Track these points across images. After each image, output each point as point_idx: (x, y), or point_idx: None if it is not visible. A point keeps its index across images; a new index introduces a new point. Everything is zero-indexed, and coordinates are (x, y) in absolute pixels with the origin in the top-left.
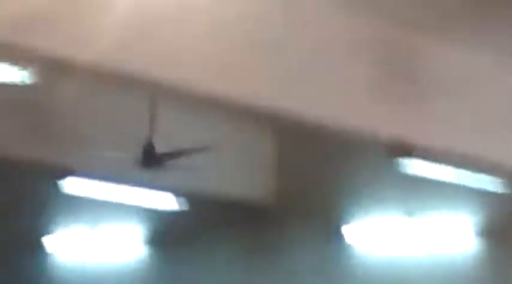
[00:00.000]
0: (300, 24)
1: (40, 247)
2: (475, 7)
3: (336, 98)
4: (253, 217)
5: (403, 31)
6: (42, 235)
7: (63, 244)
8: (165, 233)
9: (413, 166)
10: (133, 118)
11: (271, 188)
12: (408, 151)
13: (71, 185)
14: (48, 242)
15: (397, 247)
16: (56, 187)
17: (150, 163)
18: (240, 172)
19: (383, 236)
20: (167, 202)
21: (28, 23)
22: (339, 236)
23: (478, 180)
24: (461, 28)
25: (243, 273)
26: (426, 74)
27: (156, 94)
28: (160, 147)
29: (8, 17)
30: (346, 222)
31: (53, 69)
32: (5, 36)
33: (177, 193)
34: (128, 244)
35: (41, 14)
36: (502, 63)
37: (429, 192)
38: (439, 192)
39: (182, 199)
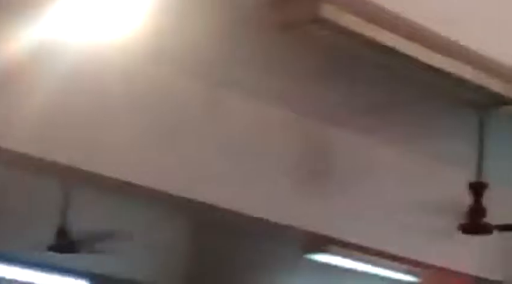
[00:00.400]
0: (219, 114)
1: None
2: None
3: (250, 189)
4: None
5: (320, 124)
6: None
7: None
8: None
9: (328, 259)
10: (48, 203)
11: (182, 273)
12: (322, 244)
13: None
14: None
15: None
16: None
17: (63, 247)
18: (151, 257)
19: None
20: None
21: None
22: None
23: (390, 271)
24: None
25: None
26: (343, 167)
27: (72, 179)
28: (73, 232)
29: None
30: None
31: None
32: None
33: (88, 277)
34: None
35: None
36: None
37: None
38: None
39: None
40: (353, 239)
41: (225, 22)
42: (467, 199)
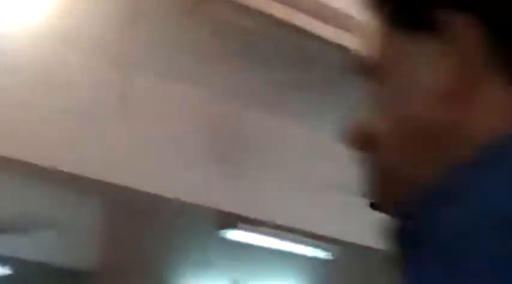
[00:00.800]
0: (130, 96)
1: None
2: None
3: (162, 170)
4: None
5: (232, 104)
6: None
7: None
8: None
9: (241, 236)
10: None
11: (98, 256)
12: (235, 222)
13: None
14: None
15: None
16: None
17: None
18: (68, 241)
19: None
20: None
21: None
22: None
23: (304, 248)
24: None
25: None
26: (255, 146)
27: None
28: None
29: None
30: None
31: None
32: None
33: (2, 261)
34: None
35: None
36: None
37: (256, 261)
38: (267, 261)
39: (7, 267)
40: (266, 217)
41: (134, 4)
42: None
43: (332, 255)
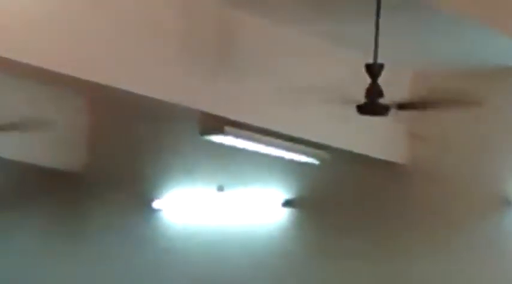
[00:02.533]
0: None
1: None
2: None
3: (149, 70)
4: (62, 186)
5: (221, 6)
6: None
7: None
8: None
9: (227, 141)
10: None
11: (82, 159)
12: (220, 125)
13: None
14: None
15: (208, 219)
16: None
17: None
18: (51, 142)
19: (194, 209)
20: None
21: None
22: (150, 208)
23: (291, 154)
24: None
25: (49, 239)
26: (240, 48)
27: None
28: None
29: None
30: (158, 194)
31: None
32: None
33: None
34: None
35: None
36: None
37: (242, 166)
38: (253, 166)
39: None
40: (253, 122)
41: None
42: (365, 81)
43: (319, 161)
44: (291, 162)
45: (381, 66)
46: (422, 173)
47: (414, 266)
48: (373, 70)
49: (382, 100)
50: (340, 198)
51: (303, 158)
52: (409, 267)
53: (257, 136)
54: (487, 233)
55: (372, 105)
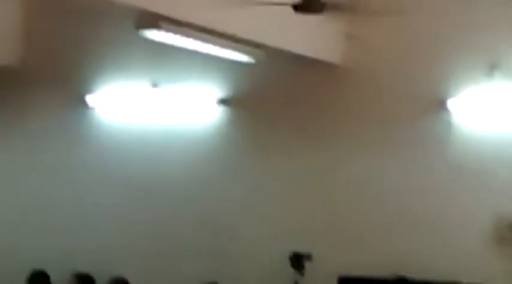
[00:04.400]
0: None
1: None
2: None
3: None
4: None
5: None
6: None
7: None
8: None
9: (161, 37)
10: None
11: (17, 53)
12: (155, 20)
13: None
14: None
15: (142, 116)
16: None
17: None
18: None
19: (128, 105)
20: None
21: None
22: (84, 104)
23: (226, 51)
24: None
25: None
26: None
27: None
28: None
29: None
30: (92, 90)
31: None
32: None
33: None
34: None
35: None
36: None
37: (177, 63)
38: (187, 63)
39: None
40: (188, 18)
41: None
42: None
43: (254, 59)
44: (227, 60)
45: None
46: (357, 74)
47: (346, 164)
48: None
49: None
50: (275, 97)
51: (239, 57)
52: (342, 165)
53: (193, 33)
54: (420, 134)
55: (306, 2)
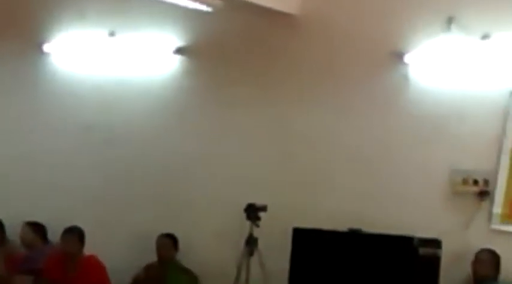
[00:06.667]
0: None
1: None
2: None
3: None
4: None
5: None
6: None
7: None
8: None
9: None
10: None
11: None
12: None
13: None
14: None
15: (99, 65)
16: None
17: None
18: None
19: (85, 53)
20: None
21: None
22: (40, 51)
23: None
24: None
25: None
26: None
27: None
28: None
29: None
30: (48, 38)
31: None
32: None
33: None
34: None
35: None
36: None
37: (134, 11)
38: (145, 11)
39: None
40: None
41: None
42: None
43: (212, 8)
44: (184, 8)
45: None
46: (314, 25)
47: (301, 116)
48: None
49: None
50: (232, 46)
51: (196, 5)
52: (297, 116)
53: None
54: (376, 87)
55: None
